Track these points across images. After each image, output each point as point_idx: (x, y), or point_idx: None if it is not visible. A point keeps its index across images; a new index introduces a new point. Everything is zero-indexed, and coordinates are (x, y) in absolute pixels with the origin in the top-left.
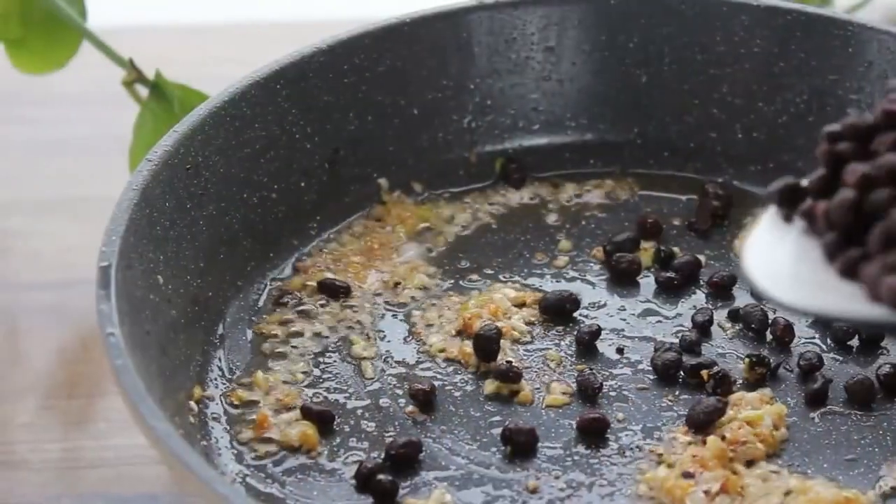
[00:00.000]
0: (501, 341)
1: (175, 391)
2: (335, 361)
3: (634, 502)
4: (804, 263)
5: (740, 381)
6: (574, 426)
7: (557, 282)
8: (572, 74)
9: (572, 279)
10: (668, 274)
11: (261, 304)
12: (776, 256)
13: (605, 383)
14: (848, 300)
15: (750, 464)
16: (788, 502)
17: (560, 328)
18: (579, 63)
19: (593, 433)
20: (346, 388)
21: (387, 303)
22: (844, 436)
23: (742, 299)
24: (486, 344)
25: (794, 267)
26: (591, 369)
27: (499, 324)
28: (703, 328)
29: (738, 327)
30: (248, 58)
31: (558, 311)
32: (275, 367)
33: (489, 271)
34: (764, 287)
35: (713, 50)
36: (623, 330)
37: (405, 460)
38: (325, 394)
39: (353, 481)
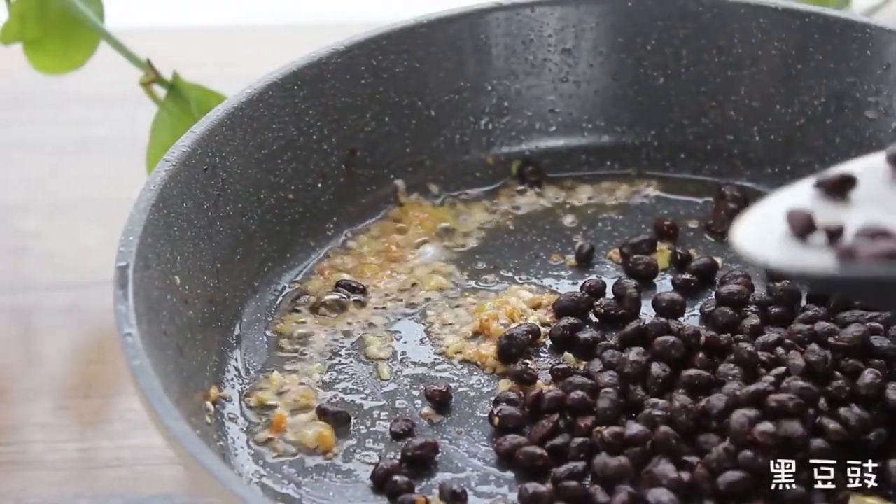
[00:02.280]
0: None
1: (192, 391)
2: (351, 362)
3: None
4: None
5: None
6: None
7: (573, 283)
8: (589, 76)
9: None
10: (685, 276)
11: (277, 304)
12: (762, 229)
13: None
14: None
15: None
16: None
17: None
18: (596, 65)
19: None
20: (362, 389)
21: (403, 304)
22: None
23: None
24: (514, 346)
25: (776, 235)
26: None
27: (524, 327)
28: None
29: None
30: (266, 59)
31: (573, 314)
32: (291, 368)
33: (506, 273)
34: (748, 249)
35: (730, 52)
36: None
37: (421, 461)
38: (341, 395)
39: (370, 482)
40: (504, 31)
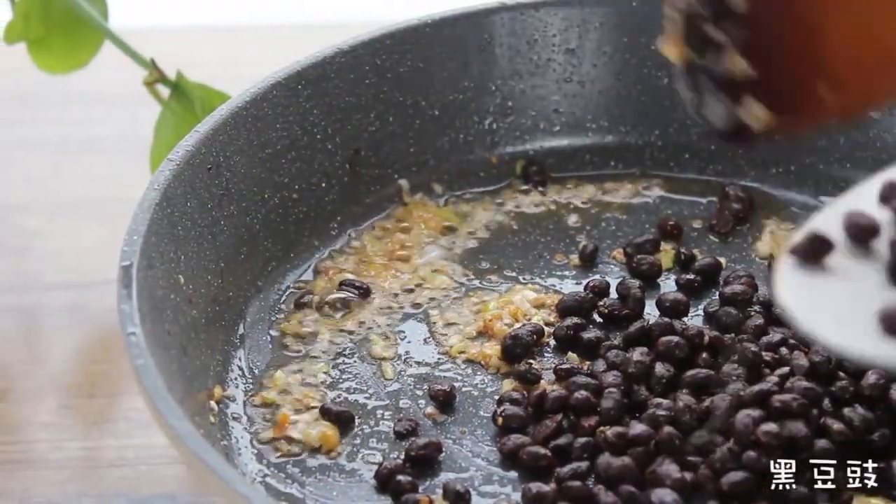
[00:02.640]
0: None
1: (195, 391)
2: (355, 362)
3: None
4: (847, 303)
5: None
6: None
7: (577, 283)
8: (593, 76)
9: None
10: (689, 276)
11: (281, 304)
12: (815, 292)
13: None
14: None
15: None
16: None
17: None
18: (600, 65)
19: None
20: (366, 388)
21: (407, 304)
22: None
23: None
24: (518, 346)
25: (836, 305)
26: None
27: (528, 327)
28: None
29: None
30: (270, 59)
31: (577, 314)
32: (295, 368)
33: (509, 273)
34: (808, 328)
35: None
36: None
37: (425, 461)
38: (345, 394)
39: (373, 482)
40: (508, 31)
